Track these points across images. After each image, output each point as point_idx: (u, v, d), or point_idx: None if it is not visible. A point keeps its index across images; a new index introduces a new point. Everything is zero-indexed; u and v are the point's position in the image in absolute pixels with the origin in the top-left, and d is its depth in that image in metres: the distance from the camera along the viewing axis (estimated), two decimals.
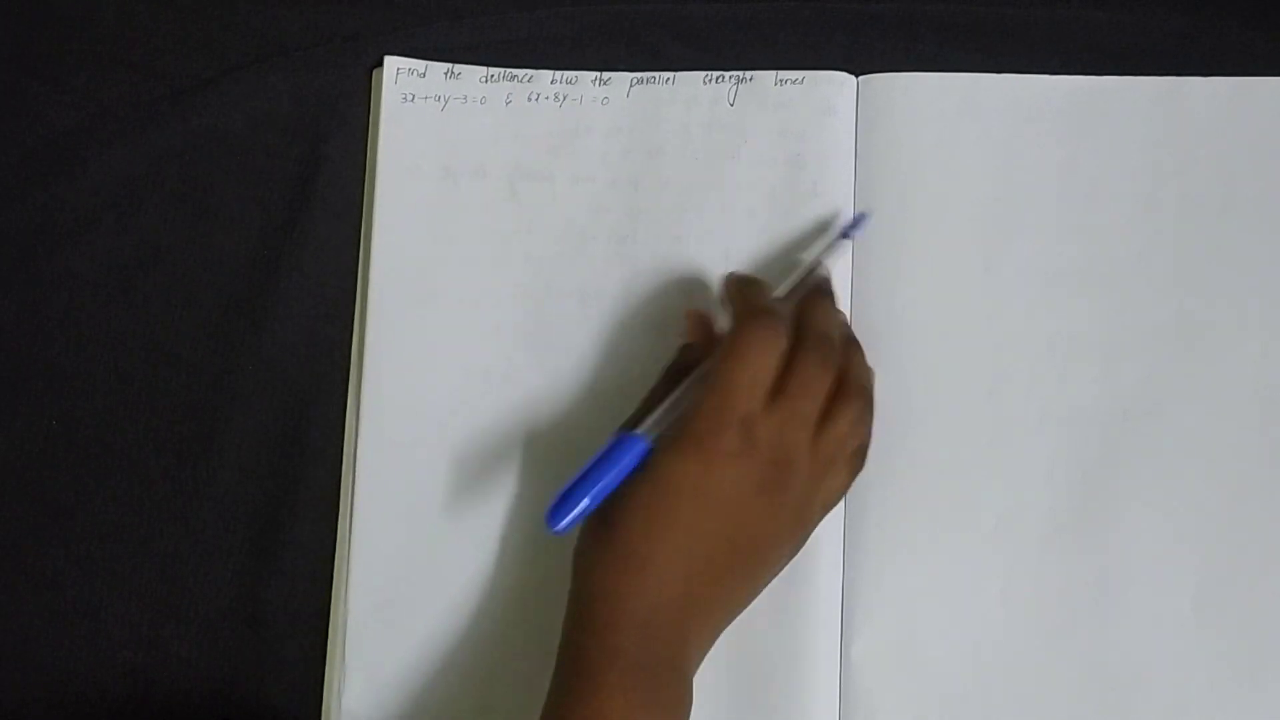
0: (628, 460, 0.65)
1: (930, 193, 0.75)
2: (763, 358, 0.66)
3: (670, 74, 0.78)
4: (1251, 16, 0.77)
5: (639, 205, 0.76)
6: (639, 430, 0.65)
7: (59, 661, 0.73)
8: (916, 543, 0.72)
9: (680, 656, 0.65)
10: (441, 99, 0.78)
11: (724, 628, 0.68)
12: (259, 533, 0.74)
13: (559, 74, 0.78)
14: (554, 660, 0.65)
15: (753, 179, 0.76)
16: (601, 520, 0.65)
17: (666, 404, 0.67)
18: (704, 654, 0.67)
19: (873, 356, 0.73)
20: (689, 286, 0.75)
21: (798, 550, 0.69)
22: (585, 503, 0.64)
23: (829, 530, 0.72)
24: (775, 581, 0.71)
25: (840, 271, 0.74)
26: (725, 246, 0.75)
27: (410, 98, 0.78)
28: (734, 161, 0.76)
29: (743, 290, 0.70)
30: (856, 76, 0.77)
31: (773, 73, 0.77)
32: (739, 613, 0.68)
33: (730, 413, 0.65)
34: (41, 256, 0.77)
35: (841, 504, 0.72)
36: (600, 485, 0.64)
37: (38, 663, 0.73)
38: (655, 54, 0.78)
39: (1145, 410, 0.73)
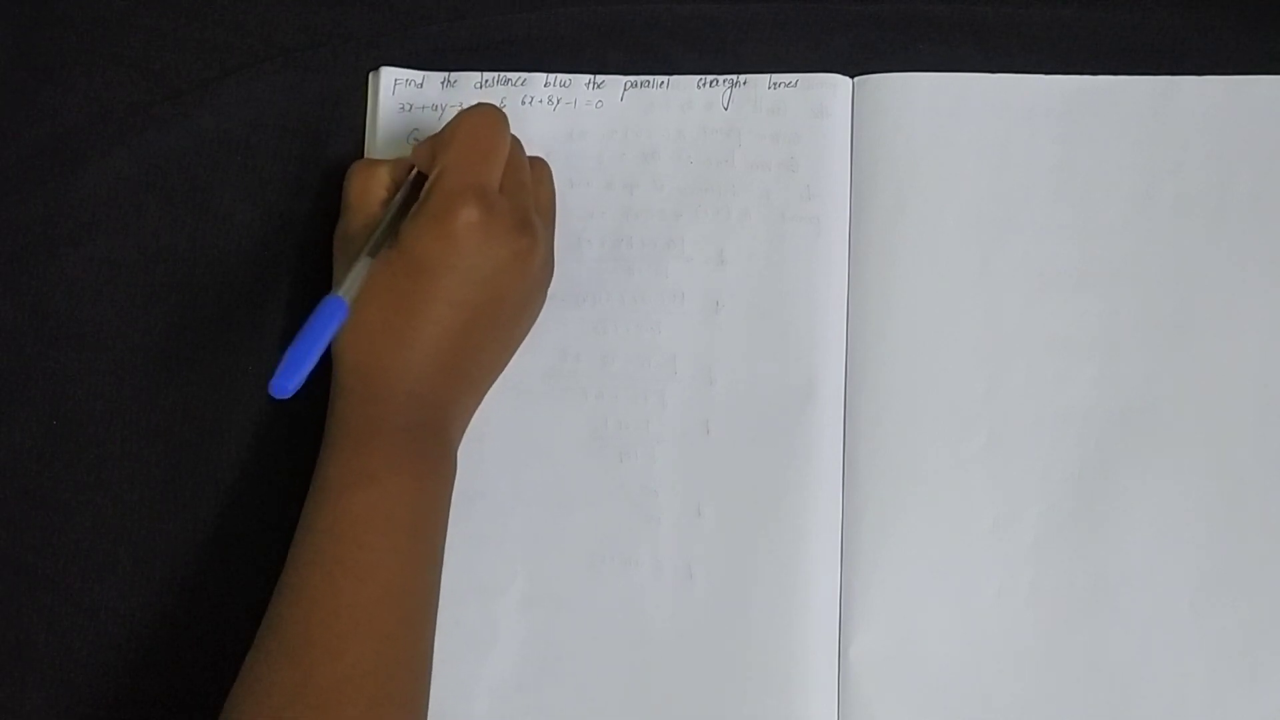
0: (334, 321, 0.63)
1: (926, 193, 0.75)
2: (490, 129, 0.69)
3: (664, 78, 0.78)
4: (1248, 16, 0.77)
5: (634, 208, 0.76)
6: (338, 292, 0.64)
7: (59, 661, 0.73)
8: (914, 543, 0.72)
9: (444, 421, 0.69)
10: (438, 107, 0.78)
11: (486, 390, 0.72)
12: (259, 533, 0.74)
13: (553, 77, 0.78)
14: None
15: (747, 182, 0.76)
16: (359, 300, 0.65)
17: (364, 248, 0.67)
18: (468, 418, 0.71)
19: (870, 357, 0.73)
20: (684, 289, 0.75)
21: (542, 304, 0.73)
22: (306, 366, 0.62)
23: (827, 530, 0.72)
24: (773, 583, 0.71)
25: (836, 273, 0.75)
26: (720, 249, 0.75)
27: (408, 107, 0.78)
28: (728, 165, 0.76)
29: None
30: (853, 78, 0.77)
31: (767, 76, 0.77)
32: (498, 373, 0.72)
33: (468, 184, 0.67)
34: (41, 256, 0.77)
35: (839, 505, 0.72)
36: (315, 348, 0.62)
37: (38, 663, 0.73)
38: (653, 55, 0.78)
39: (1142, 409, 0.73)
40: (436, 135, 0.70)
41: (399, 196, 0.70)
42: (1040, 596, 0.71)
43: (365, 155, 0.78)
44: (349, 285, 0.65)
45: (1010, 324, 0.74)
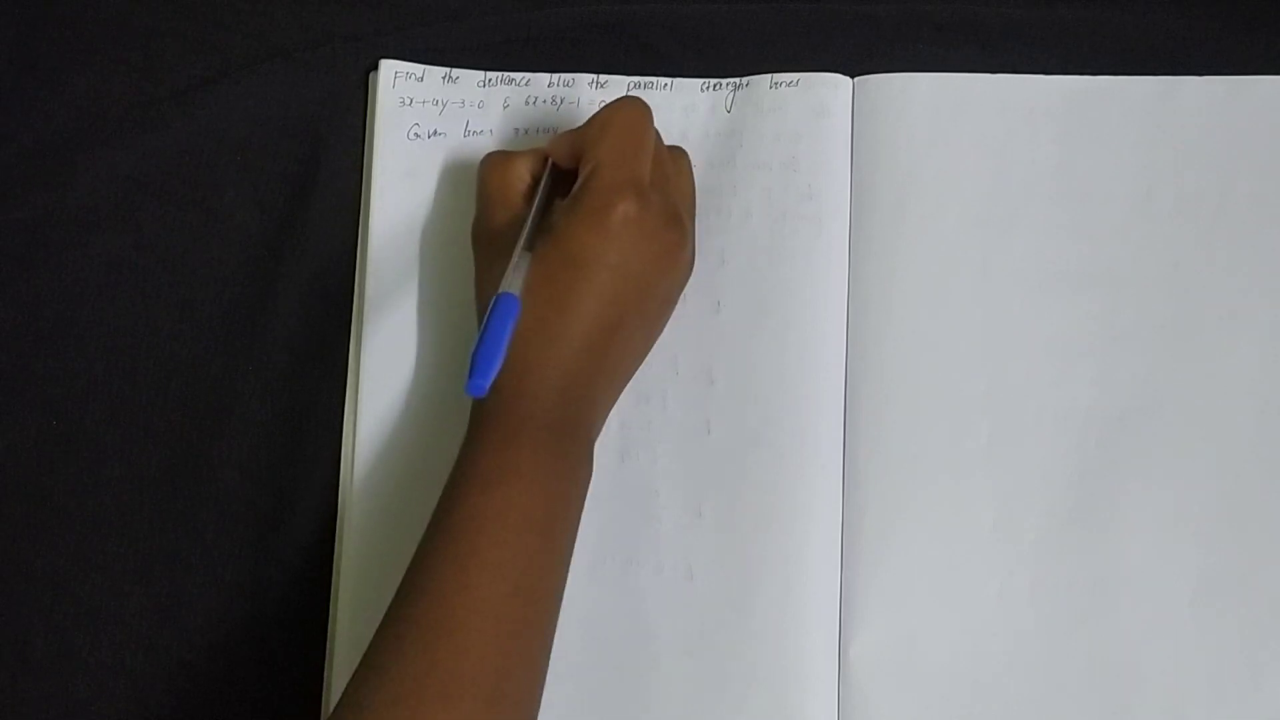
0: (510, 318, 0.63)
1: (926, 193, 0.75)
2: (641, 123, 0.69)
3: (668, 80, 0.78)
4: (1248, 16, 0.77)
5: None
6: (511, 289, 0.64)
7: (59, 661, 0.73)
8: (914, 542, 0.72)
9: (587, 419, 0.69)
10: (439, 103, 0.78)
11: (623, 387, 0.71)
12: (259, 533, 0.74)
13: (556, 77, 0.78)
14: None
15: (748, 181, 0.76)
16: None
17: (521, 243, 0.67)
18: (606, 415, 0.71)
19: (870, 357, 0.73)
20: (685, 289, 0.75)
21: (678, 299, 0.72)
22: (495, 364, 0.61)
23: (827, 530, 0.72)
24: (773, 582, 0.71)
25: (836, 273, 0.75)
26: (721, 249, 0.75)
27: (408, 101, 0.78)
28: (729, 165, 0.76)
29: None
30: (853, 78, 0.77)
31: (768, 75, 0.77)
32: (636, 370, 0.72)
33: (624, 179, 0.67)
34: (41, 256, 0.77)
35: (839, 505, 0.72)
36: (499, 346, 0.62)
37: (38, 663, 0.73)
38: (654, 54, 0.79)
39: (1142, 409, 0.73)
40: (580, 129, 0.70)
41: (544, 190, 0.69)
42: (1040, 596, 0.71)
43: (366, 153, 0.78)
44: (516, 281, 0.64)
45: (1010, 324, 0.74)
